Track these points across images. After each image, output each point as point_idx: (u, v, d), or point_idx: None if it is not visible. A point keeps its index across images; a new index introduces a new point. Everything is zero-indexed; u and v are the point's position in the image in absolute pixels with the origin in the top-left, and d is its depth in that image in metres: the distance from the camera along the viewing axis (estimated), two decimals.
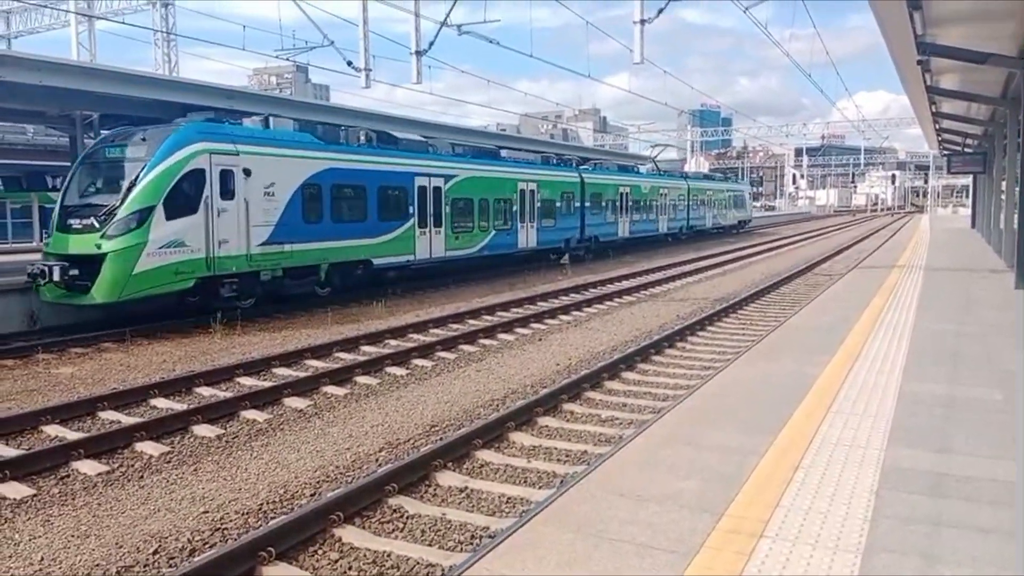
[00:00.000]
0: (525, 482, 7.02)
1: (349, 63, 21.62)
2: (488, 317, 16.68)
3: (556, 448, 7.94)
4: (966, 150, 36.04)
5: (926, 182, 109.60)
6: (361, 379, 10.97)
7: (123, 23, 34.06)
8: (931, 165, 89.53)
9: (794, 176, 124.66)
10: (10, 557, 5.63)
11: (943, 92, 19.56)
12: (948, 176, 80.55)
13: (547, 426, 8.69)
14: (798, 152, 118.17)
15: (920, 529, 4.25)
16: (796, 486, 4.88)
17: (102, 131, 23.36)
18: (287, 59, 38.44)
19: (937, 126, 29.59)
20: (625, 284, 22.57)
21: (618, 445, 6.14)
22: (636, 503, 4.62)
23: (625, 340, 13.82)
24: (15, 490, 6.84)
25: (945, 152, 41.21)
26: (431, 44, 21.41)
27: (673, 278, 24.20)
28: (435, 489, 6.83)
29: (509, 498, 6.59)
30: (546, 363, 12.04)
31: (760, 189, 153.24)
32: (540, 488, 6.83)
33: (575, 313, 17.29)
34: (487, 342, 13.81)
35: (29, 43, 35.38)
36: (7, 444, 8.13)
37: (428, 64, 23.32)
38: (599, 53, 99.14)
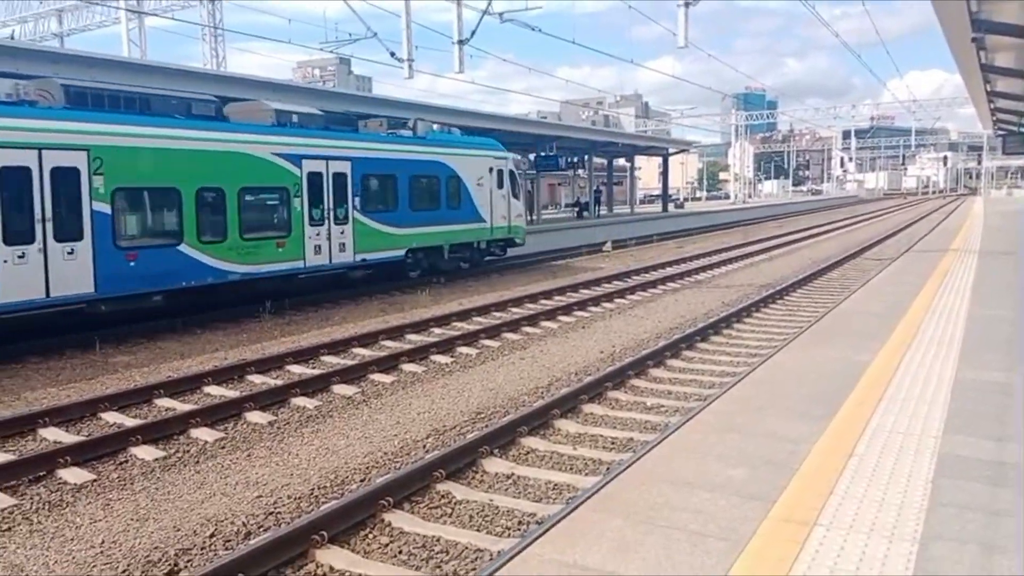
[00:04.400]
0: (571, 469, 7.04)
1: (392, 54, 21.72)
2: (531, 305, 16.69)
3: (602, 436, 7.94)
4: (1022, 130, 34.83)
5: (979, 163, 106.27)
6: (407, 367, 11.08)
7: (172, 19, 34.66)
8: (985, 146, 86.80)
9: (842, 159, 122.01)
10: (72, 540, 5.83)
11: (998, 70, 18.93)
12: (1003, 157, 77.93)
13: (592, 413, 8.69)
14: (846, 134, 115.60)
15: (978, 518, 4.16)
16: (850, 474, 4.81)
17: None
18: (331, 52, 38.87)
19: (992, 105, 28.65)
20: (670, 271, 22.37)
21: (664, 432, 6.12)
22: (685, 491, 4.60)
23: (670, 327, 13.71)
24: (76, 475, 7.07)
25: (1000, 132, 39.88)
26: (473, 33, 21.40)
27: (718, 264, 23.91)
28: (482, 475, 6.89)
29: (556, 485, 6.62)
30: (590, 351, 12.02)
31: (808, 173, 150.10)
32: (587, 475, 6.84)
33: (619, 300, 17.20)
34: (531, 330, 13.82)
35: (81, 40, 36.33)
36: (67, 431, 8.40)
37: (470, 53, 22.75)
38: (642, 37, 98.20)
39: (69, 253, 12.18)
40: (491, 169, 22.68)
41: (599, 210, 48.12)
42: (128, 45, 34.85)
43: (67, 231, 12.19)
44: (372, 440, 8.01)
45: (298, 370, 11.07)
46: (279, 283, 16.27)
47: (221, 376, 10.47)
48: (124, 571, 5.23)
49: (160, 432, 8.13)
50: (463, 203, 21.62)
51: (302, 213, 16.37)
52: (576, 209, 47.37)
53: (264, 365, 11.08)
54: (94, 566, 5.32)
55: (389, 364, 11.09)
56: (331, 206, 17.10)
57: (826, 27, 34.76)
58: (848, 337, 8.95)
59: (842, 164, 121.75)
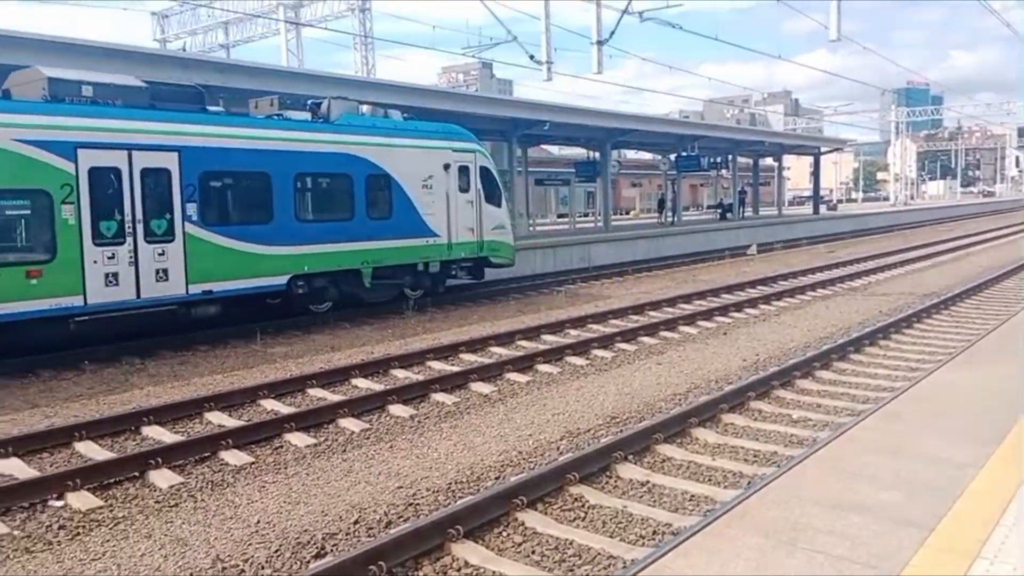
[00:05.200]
0: (709, 480, 6.84)
1: (531, 57, 21.95)
2: (670, 309, 16.37)
3: (743, 447, 7.66)
4: None
5: None
6: (543, 367, 11.16)
7: (326, 29, 36.72)
8: None
9: (1017, 158, 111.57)
10: (231, 519, 6.28)
11: None
12: None
13: (733, 424, 8.40)
14: (1021, 132, 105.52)
15: None
16: (1018, 504, 4.39)
17: None
18: (473, 56, 39.70)
19: None
20: (820, 276, 21.28)
21: (811, 448, 5.83)
22: (832, 512, 4.36)
23: (820, 336, 13.04)
24: (236, 457, 7.62)
25: None
26: (612, 33, 21.22)
27: (874, 270, 22.49)
28: (616, 481, 6.83)
29: (692, 496, 6.45)
30: (731, 358, 11.63)
31: (978, 173, 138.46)
32: (725, 488, 6.62)
33: (763, 306, 16.55)
34: (668, 335, 13.56)
35: (244, 51, 39.15)
36: (230, 416, 9.07)
37: (609, 54, 22.61)
38: (793, 31, 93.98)
39: None
40: (447, 166, 16.87)
41: (743, 212, 46.49)
42: (287, 55, 37.22)
43: None
44: (507, 439, 8.12)
45: (438, 366, 11.40)
46: (36, 330, 11.14)
47: (367, 369, 10.96)
48: (276, 551, 5.58)
49: (312, 420, 8.62)
50: (397, 211, 15.95)
51: (77, 227, 11.27)
52: (719, 211, 46.01)
53: (407, 360, 11.50)
54: (250, 544, 5.71)
55: (525, 364, 11.21)
56: (139, 216, 11.94)
57: (997, 17, 31.86)
58: (1020, 354, 8.17)
59: (1017, 164, 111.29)
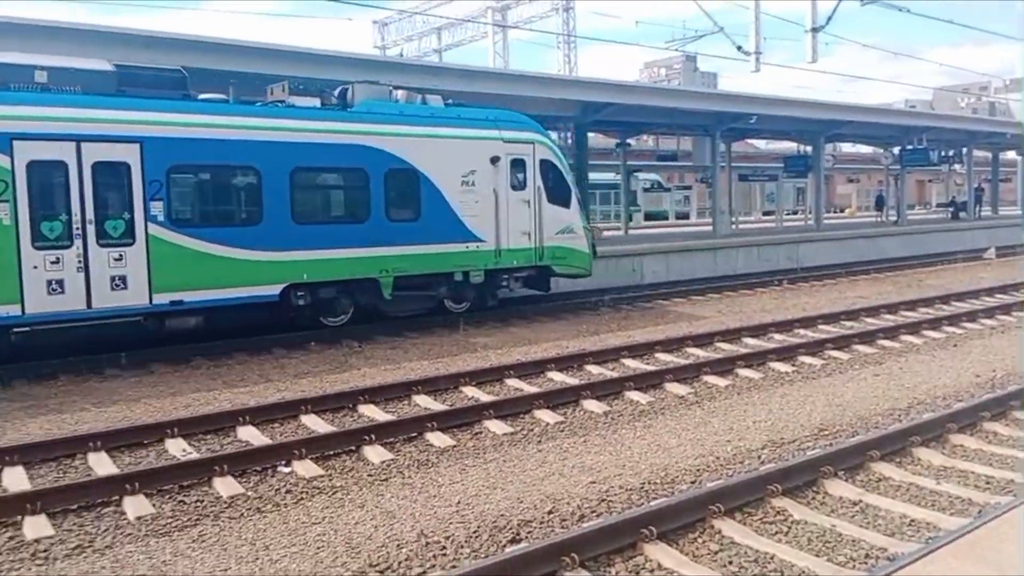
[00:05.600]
0: (932, 505, 6.21)
1: (739, 48, 21.09)
2: (889, 316, 15.09)
3: (972, 472, 6.89)
4: None
5: None
6: (743, 372, 10.71)
7: (531, 30, 37.61)
8: None
9: None
10: (435, 497, 6.62)
11: None
12: None
13: (962, 445, 7.58)
14: None
15: None
16: None
17: None
18: (676, 50, 38.83)
19: None
20: None
21: None
22: None
23: None
24: (440, 439, 8.02)
25: None
26: (828, 19, 19.85)
27: None
28: (823, 497, 6.40)
29: (912, 520, 5.89)
30: (962, 373, 10.50)
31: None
32: (951, 515, 5.99)
33: (1002, 317, 14.78)
34: (887, 343, 12.49)
35: (455, 55, 40.87)
36: (435, 400, 9.56)
37: (825, 41, 20.99)
38: None
39: None
40: (495, 159, 14.53)
41: (980, 211, 41.77)
42: (493, 56, 38.55)
43: None
44: (704, 443, 7.88)
45: (632, 364, 11.31)
46: None
47: (563, 363, 11.09)
48: (475, 532, 5.81)
49: (509, 409, 8.87)
50: (427, 212, 13.85)
51: (13, 228, 10.25)
52: (951, 210, 41.67)
53: (601, 357, 11.51)
54: (451, 523, 5.99)
55: (724, 367, 10.81)
56: (89, 216, 10.75)
57: None
58: None
59: None
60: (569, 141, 26.70)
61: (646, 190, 49.19)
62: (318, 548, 5.60)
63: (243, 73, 14.50)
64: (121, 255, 10.99)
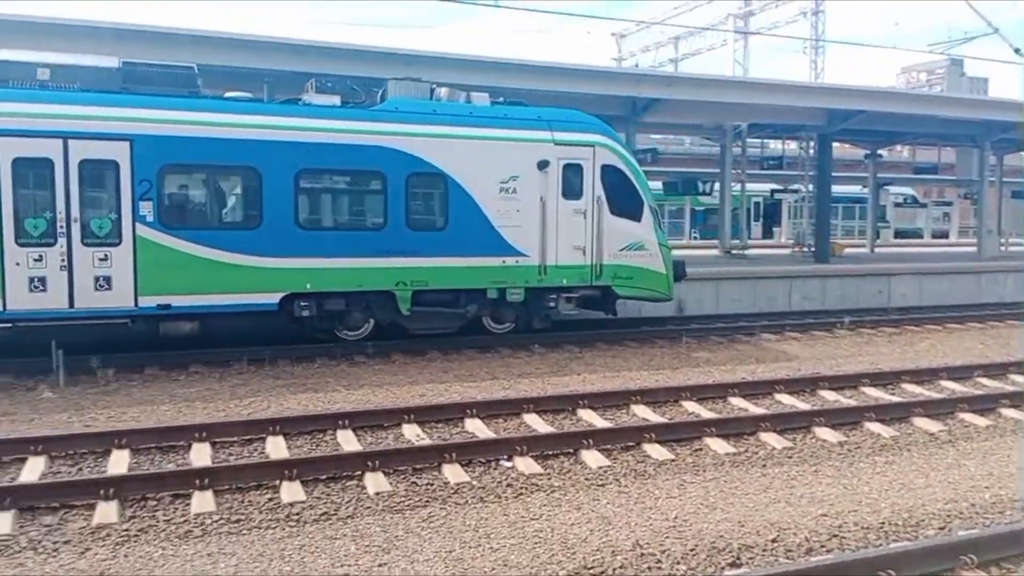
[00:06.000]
0: None
1: (1016, 50, 18.73)
2: None
3: None
4: None
5: None
6: (1008, 412, 9.46)
7: (775, 35, 35.95)
8: None
9: None
10: (651, 508, 6.52)
11: None
12: None
13: None
14: None
15: None
16: None
17: (748, 139, 25.31)
18: (940, 53, 35.22)
19: None
20: None
21: None
22: None
23: None
24: (658, 452, 7.89)
25: None
26: None
27: None
28: None
29: None
30: None
31: None
32: None
33: None
34: None
35: (691, 64, 40.11)
36: (654, 411, 9.42)
37: None
38: None
39: None
40: (544, 163, 12.87)
41: None
42: (733, 64, 37.34)
43: None
44: (957, 486, 7.06)
45: (874, 393, 10.40)
46: None
47: (793, 386, 10.46)
48: (691, 549, 5.65)
49: (732, 429, 8.53)
50: (455, 220, 12.53)
51: None
52: None
53: (837, 382, 10.70)
54: (667, 537, 5.87)
55: (985, 405, 9.61)
56: (75, 214, 10.58)
57: None
58: None
59: None
60: (811, 151, 25.21)
61: (898, 205, 45.08)
62: (535, 543, 5.75)
63: (279, 71, 13.85)
64: (107, 255, 10.71)
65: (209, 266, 11.14)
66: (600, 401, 9.53)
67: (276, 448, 7.77)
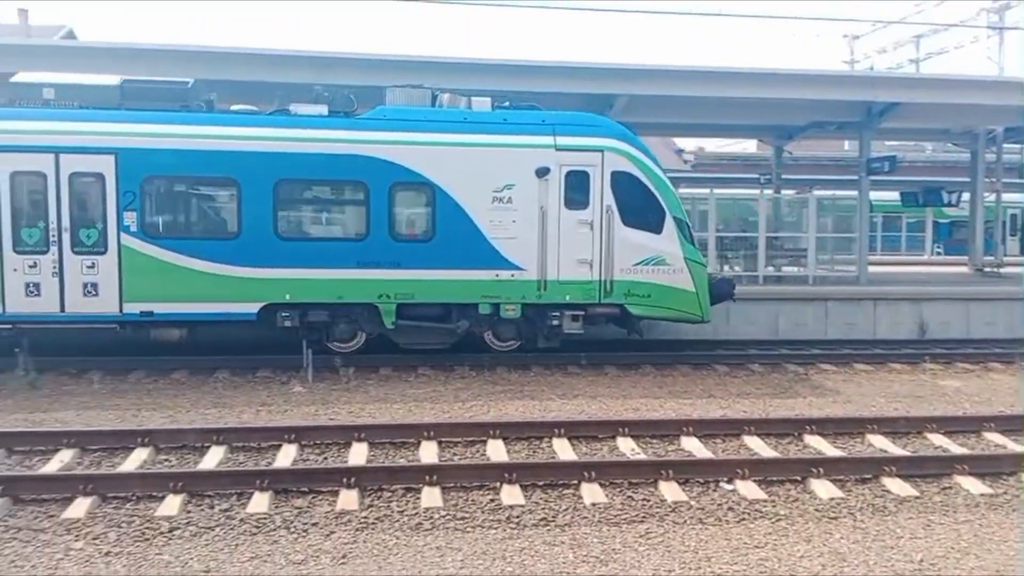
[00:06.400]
0: None
1: None
2: None
3: None
4: None
5: None
6: None
7: None
8: None
9: None
10: (891, 548, 5.96)
11: None
12: None
13: None
14: None
15: None
16: None
17: (1004, 144, 22.51)
18: None
19: None
20: None
21: None
22: None
23: None
24: (900, 487, 7.18)
25: None
26: None
27: None
28: None
29: None
30: None
31: None
32: None
33: None
34: None
35: (935, 63, 36.65)
36: (893, 442, 8.61)
37: None
38: None
39: None
40: (543, 170, 11.89)
41: None
42: (985, 63, 33.52)
43: None
44: None
45: None
46: None
47: None
48: None
49: (988, 467, 7.59)
50: (443, 231, 11.86)
51: None
52: None
53: None
54: None
55: None
56: (65, 224, 11.12)
57: None
58: None
59: None
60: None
61: None
62: (760, 572, 5.47)
63: (290, 84, 13.50)
64: (94, 263, 11.21)
65: (189, 275, 11.38)
66: (830, 427, 8.87)
67: (496, 451, 8.05)
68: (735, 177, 31.26)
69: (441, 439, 8.27)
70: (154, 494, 6.69)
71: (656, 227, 12.28)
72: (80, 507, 6.41)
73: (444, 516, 6.41)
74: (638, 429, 8.67)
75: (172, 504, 6.51)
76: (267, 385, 11.10)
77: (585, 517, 6.45)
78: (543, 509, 6.60)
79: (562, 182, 11.96)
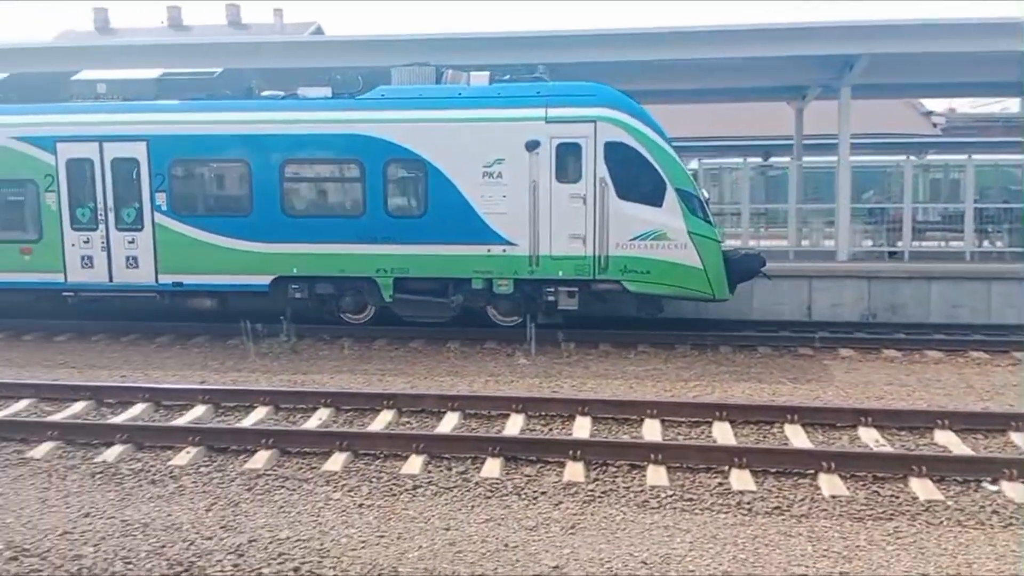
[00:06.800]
0: None
1: None
2: None
3: None
4: None
5: None
6: None
7: None
8: None
9: None
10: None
11: None
12: None
13: None
14: None
15: None
16: None
17: None
18: None
19: None
20: None
21: None
22: None
23: None
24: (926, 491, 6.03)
25: None
26: None
27: None
28: None
29: None
30: None
31: None
32: None
33: None
34: None
35: None
36: None
37: None
38: None
39: None
40: (533, 143, 11.54)
41: None
42: None
43: None
44: None
45: None
46: (30, 298, 13.47)
47: None
48: None
49: None
50: (435, 207, 11.93)
51: (58, 213, 12.70)
52: None
53: None
54: None
55: None
56: (110, 204, 12.60)
57: None
58: None
59: None
60: None
61: None
62: None
63: (311, 69, 14.08)
64: (134, 239, 12.63)
65: (211, 250, 12.50)
66: None
67: (722, 434, 7.80)
68: (991, 141, 27.61)
69: (664, 418, 8.16)
70: (399, 453, 7.25)
71: (655, 200, 11.68)
72: (337, 461, 7.10)
73: (671, 496, 6.34)
74: (884, 419, 8.00)
75: (415, 463, 7.01)
76: (494, 356, 11.58)
77: (824, 510, 6.07)
78: (776, 497, 6.30)
79: (553, 155, 11.73)
